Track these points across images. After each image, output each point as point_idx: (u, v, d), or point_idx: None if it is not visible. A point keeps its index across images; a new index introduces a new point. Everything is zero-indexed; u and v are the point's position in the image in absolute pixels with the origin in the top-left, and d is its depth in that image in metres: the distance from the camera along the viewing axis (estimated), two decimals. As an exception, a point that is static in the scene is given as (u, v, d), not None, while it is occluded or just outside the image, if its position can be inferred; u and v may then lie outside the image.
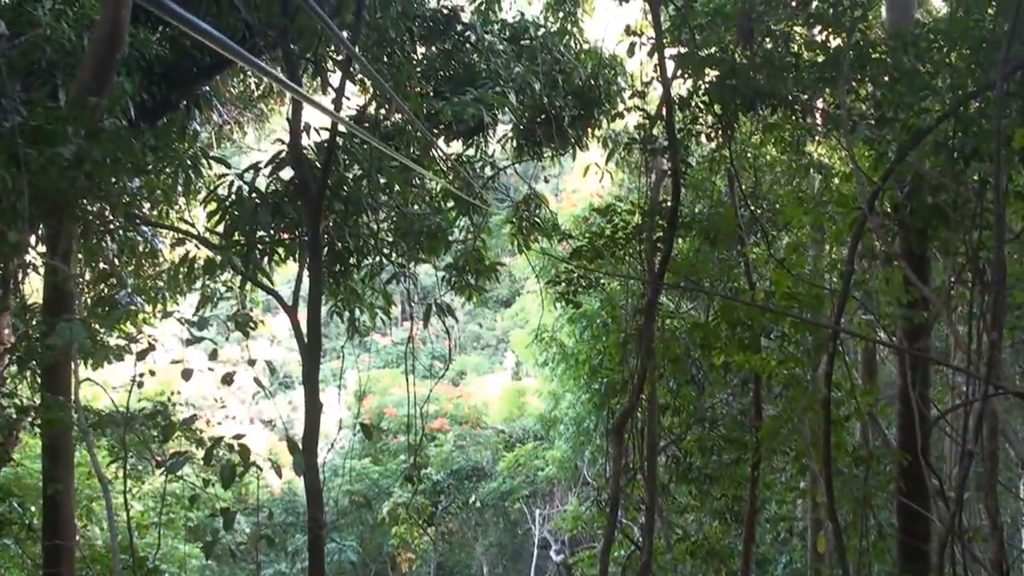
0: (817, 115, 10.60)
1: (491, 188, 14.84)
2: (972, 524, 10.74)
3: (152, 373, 8.18)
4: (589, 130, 14.54)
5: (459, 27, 13.12)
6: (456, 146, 13.64)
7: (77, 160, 7.04)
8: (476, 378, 39.97)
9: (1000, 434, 8.61)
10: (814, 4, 9.89)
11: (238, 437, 7.43)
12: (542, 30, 14.05)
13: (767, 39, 10.23)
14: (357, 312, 12.10)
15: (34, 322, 9.30)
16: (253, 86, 15.22)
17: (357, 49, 10.59)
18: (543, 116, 13.68)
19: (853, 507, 10.20)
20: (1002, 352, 7.99)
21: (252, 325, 8.67)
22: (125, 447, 8.67)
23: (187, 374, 7.21)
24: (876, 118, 8.95)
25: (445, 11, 13.08)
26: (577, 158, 15.82)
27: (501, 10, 13.93)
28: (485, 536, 31.87)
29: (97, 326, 10.63)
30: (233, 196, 9.92)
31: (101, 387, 8.86)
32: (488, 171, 14.14)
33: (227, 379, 7.52)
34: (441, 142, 13.15)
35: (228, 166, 10.65)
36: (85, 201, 8.58)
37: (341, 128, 9.38)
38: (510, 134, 14.46)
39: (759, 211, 13.44)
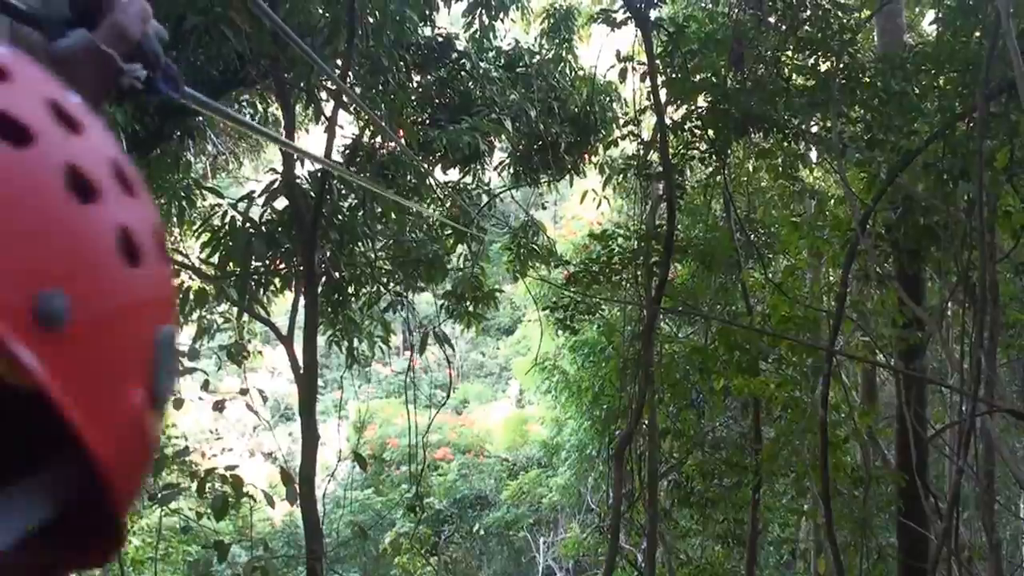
0: (808, 139, 10.62)
1: (489, 216, 14.86)
2: (974, 542, 10.72)
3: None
4: (585, 156, 14.56)
5: (454, 55, 13.14)
6: (453, 174, 13.66)
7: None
8: (479, 406, 39.78)
9: (996, 452, 8.60)
10: (804, 28, 9.92)
11: (230, 468, 7.42)
12: (537, 57, 14.07)
13: (759, 64, 10.25)
14: (356, 342, 12.10)
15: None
16: (248, 117, 15.20)
17: (351, 77, 10.64)
18: (539, 143, 13.70)
19: (853, 528, 10.20)
20: (998, 371, 8.01)
21: (245, 355, 8.65)
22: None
23: (178, 404, 7.22)
24: (866, 140, 8.98)
25: (440, 39, 13.10)
26: (576, 185, 15.86)
27: (496, 38, 13.94)
28: (489, 565, 31.69)
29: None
30: (227, 226, 9.93)
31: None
32: (484, 199, 14.17)
33: (219, 406, 7.53)
34: (438, 170, 13.17)
35: (221, 196, 10.66)
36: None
37: (337, 158, 9.39)
38: (507, 161, 14.49)
39: (755, 236, 13.45)
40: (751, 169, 13.77)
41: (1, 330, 0.66)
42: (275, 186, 9.78)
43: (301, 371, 9.34)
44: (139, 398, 0.80)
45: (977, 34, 8.34)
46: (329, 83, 11.06)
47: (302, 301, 9.83)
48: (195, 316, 12.05)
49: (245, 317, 11.08)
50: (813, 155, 11.83)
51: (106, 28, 1.30)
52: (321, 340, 12.16)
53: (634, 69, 11.52)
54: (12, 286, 0.67)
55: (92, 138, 0.82)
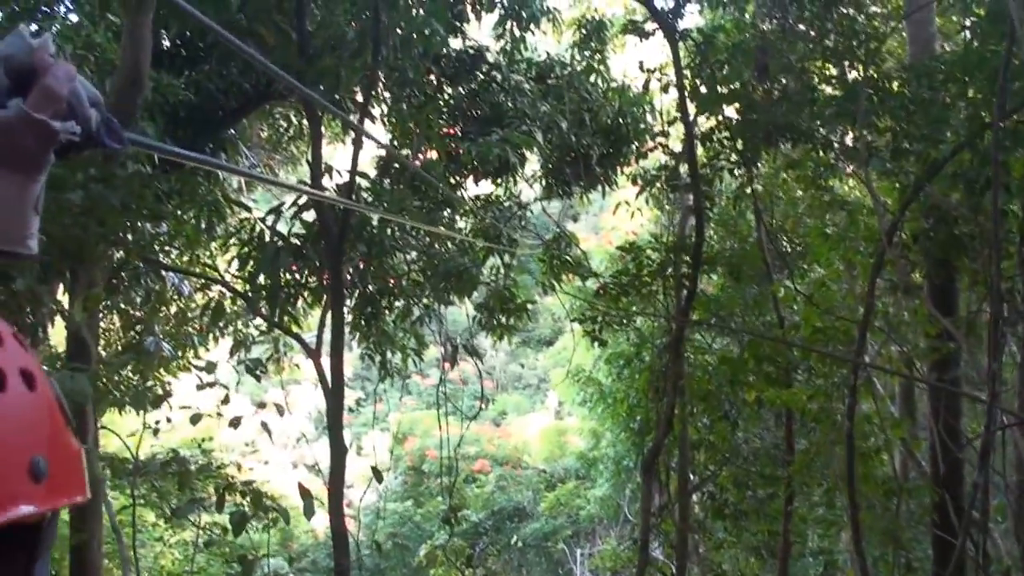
0: (837, 149, 10.56)
1: (521, 228, 14.84)
2: (1012, 553, 10.59)
3: (168, 420, 8.23)
4: (618, 168, 14.52)
5: (485, 67, 13.14)
6: (485, 185, 13.66)
7: (89, 206, 7.08)
8: (517, 418, 39.82)
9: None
10: (831, 37, 9.87)
11: (248, 483, 7.42)
12: (568, 69, 14.05)
13: (787, 74, 10.21)
14: (389, 354, 12.12)
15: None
16: (282, 129, 15.23)
17: (380, 89, 10.66)
18: (571, 154, 13.67)
19: (885, 540, 10.11)
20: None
21: (263, 369, 8.65)
22: (134, 496, 8.69)
23: (195, 419, 7.21)
24: (892, 150, 8.91)
25: (471, 51, 13.10)
26: (616, 195, 15.84)
27: (527, 49, 13.92)
28: (528, 576, 31.70)
29: (127, 372, 10.69)
30: (256, 240, 9.97)
31: (116, 435, 8.90)
32: (516, 211, 14.15)
33: (235, 423, 7.50)
34: (470, 181, 13.19)
35: (249, 210, 10.70)
36: (113, 248, 8.63)
37: (370, 170, 9.38)
38: (539, 173, 14.47)
39: (787, 247, 13.38)
40: (783, 180, 13.69)
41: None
42: (303, 200, 9.80)
43: (330, 386, 9.37)
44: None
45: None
46: (358, 96, 11.10)
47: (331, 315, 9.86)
48: (231, 329, 12.12)
49: (277, 331, 11.12)
50: (845, 165, 11.76)
51: (36, 93, 1.39)
52: (357, 352, 12.20)
53: (659, 80, 11.49)
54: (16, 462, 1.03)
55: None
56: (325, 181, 9.95)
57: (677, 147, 12.28)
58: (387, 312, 11.76)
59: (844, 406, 9.72)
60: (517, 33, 13.28)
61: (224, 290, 11.03)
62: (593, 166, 13.86)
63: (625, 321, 14.17)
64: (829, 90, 10.32)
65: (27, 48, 1.40)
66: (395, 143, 11.89)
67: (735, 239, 13.81)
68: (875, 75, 9.50)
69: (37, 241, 1.46)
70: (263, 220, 10.03)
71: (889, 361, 10.67)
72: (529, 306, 14.07)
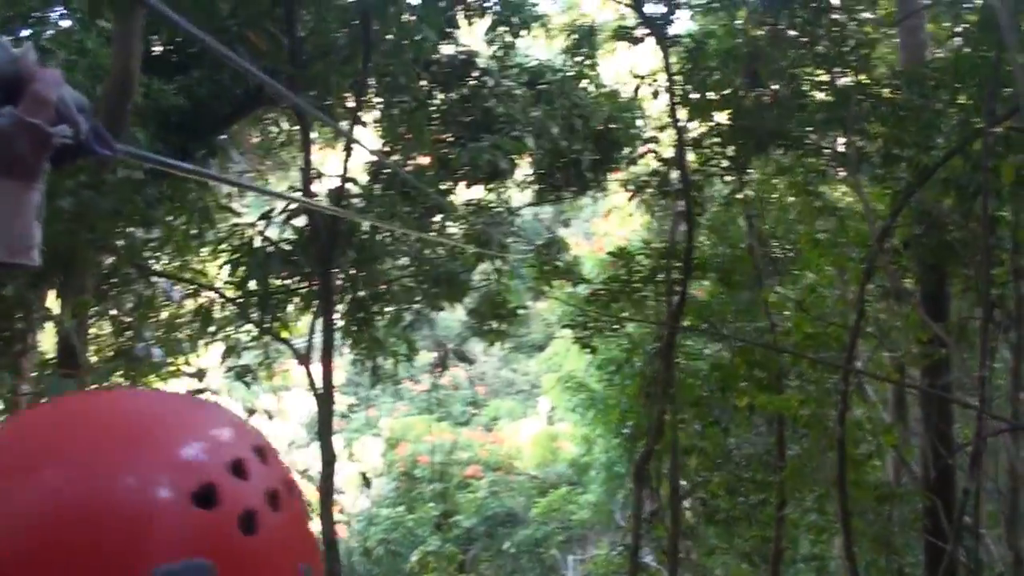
0: (827, 155, 10.56)
1: (510, 233, 14.82)
2: (1006, 559, 10.57)
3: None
4: (609, 173, 14.51)
5: (476, 72, 13.11)
6: (478, 190, 13.65)
7: (79, 212, 7.05)
8: (509, 423, 39.68)
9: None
10: (822, 43, 9.86)
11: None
12: (559, 74, 14.03)
13: (778, 80, 10.20)
14: (380, 359, 12.10)
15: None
16: (273, 135, 15.19)
17: (371, 94, 10.63)
18: (562, 160, 13.65)
19: (876, 546, 10.11)
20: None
21: (253, 376, 8.63)
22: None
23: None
24: (883, 156, 8.91)
25: (462, 57, 13.08)
26: (607, 200, 15.83)
27: (518, 55, 13.90)
28: (520, 582, 31.53)
29: (117, 378, 10.66)
30: (246, 245, 9.95)
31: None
32: (507, 216, 14.13)
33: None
34: (461, 186, 13.17)
35: (238, 215, 10.67)
36: (103, 254, 8.61)
37: (362, 176, 9.35)
38: (530, 178, 14.45)
39: (778, 252, 13.37)
40: (773, 185, 13.68)
41: None
42: (294, 205, 9.79)
43: (320, 391, 9.37)
44: None
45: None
46: (349, 103, 11.08)
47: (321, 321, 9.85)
48: (221, 335, 12.08)
49: (267, 336, 11.10)
50: (836, 171, 11.77)
51: (28, 99, 1.41)
52: (349, 357, 12.20)
53: (649, 85, 11.48)
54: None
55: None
56: (316, 187, 9.94)
57: (668, 153, 12.27)
58: (378, 317, 11.74)
59: (835, 412, 9.72)
60: (508, 38, 13.26)
61: (214, 296, 11.00)
62: (584, 171, 13.84)
63: (616, 327, 14.14)
64: (820, 96, 10.31)
65: (9, 58, 1.41)
66: (386, 149, 11.88)
67: (726, 245, 13.80)
68: (866, 81, 9.49)
69: (39, 252, 1.46)
70: (254, 226, 10.01)
71: (880, 367, 10.67)
72: (520, 311, 14.06)
